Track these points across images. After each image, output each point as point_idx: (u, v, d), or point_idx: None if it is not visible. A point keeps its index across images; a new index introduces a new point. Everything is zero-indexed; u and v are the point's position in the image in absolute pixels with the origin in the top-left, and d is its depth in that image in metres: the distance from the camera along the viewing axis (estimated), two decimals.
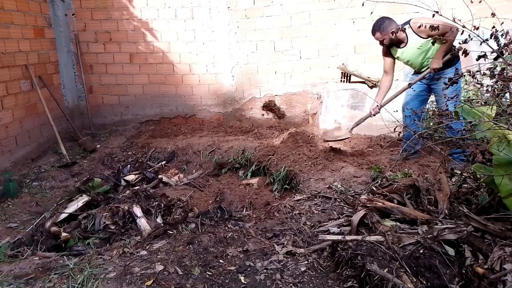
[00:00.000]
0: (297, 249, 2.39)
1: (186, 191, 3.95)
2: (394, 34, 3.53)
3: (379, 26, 3.67)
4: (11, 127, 4.49)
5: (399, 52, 3.79)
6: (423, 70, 3.79)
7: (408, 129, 3.23)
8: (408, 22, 3.63)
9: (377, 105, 3.90)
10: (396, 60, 3.90)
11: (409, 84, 3.75)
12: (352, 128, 4.24)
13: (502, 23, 2.34)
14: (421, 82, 3.80)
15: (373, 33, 3.76)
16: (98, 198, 3.53)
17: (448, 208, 2.43)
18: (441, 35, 3.33)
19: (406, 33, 3.60)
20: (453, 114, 2.50)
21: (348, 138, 4.40)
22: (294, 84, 5.76)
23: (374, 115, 3.96)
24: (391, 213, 2.53)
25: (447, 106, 2.93)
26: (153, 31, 5.63)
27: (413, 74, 4.02)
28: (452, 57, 3.59)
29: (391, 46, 3.79)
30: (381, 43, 3.78)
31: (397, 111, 3.17)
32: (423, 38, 3.57)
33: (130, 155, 5.03)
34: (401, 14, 5.28)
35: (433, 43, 3.48)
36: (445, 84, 2.46)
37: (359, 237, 2.25)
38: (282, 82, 5.77)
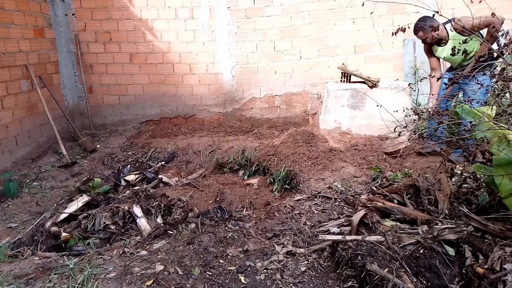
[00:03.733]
0: (297, 249, 2.39)
1: (186, 191, 3.94)
2: (435, 31, 3.46)
3: (422, 26, 3.63)
4: (11, 127, 4.49)
5: (439, 50, 3.82)
6: (462, 65, 3.77)
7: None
8: (449, 21, 3.59)
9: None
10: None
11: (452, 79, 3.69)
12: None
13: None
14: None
15: (416, 32, 3.72)
16: (98, 198, 3.53)
17: (448, 208, 2.43)
18: (486, 27, 3.41)
19: (447, 31, 3.61)
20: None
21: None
22: (294, 84, 5.76)
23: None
24: (391, 213, 2.53)
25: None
26: (153, 31, 5.63)
27: (447, 71, 4.04)
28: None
29: (432, 44, 3.81)
30: (424, 41, 3.78)
31: (397, 111, 3.16)
32: (465, 36, 3.52)
33: (130, 155, 5.03)
34: (401, 14, 5.29)
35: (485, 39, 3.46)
36: (445, 84, 2.46)
37: (359, 237, 2.25)
38: (282, 82, 5.76)
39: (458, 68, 3.83)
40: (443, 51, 3.81)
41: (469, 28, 3.34)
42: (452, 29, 3.67)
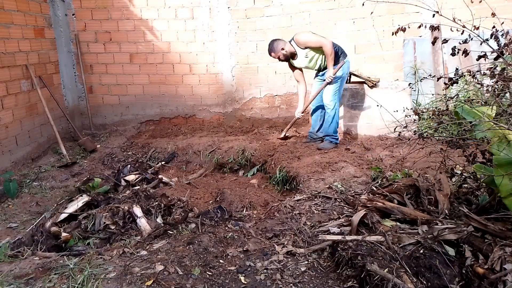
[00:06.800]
0: (297, 249, 2.39)
1: (186, 191, 3.95)
2: (284, 50, 4.25)
3: (270, 48, 4.32)
4: (11, 127, 4.49)
5: (295, 63, 4.44)
6: (317, 69, 4.49)
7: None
8: (292, 39, 4.29)
9: (300, 110, 4.65)
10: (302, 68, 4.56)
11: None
12: (285, 132, 4.88)
13: (502, 23, 2.34)
14: (321, 80, 4.51)
15: (269, 54, 4.38)
16: (98, 198, 3.53)
17: (448, 208, 2.43)
18: (318, 48, 4.19)
19: (294, 47, 4.28)
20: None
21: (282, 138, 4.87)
22: (294, 84, 5.74)
23: (299, 118, 4.75)
24: (391, 213, 2.53)
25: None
26: (153, 31, 5.63)
27: (315, 76, 4.63)
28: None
29: (288, 60, 4.40)
30: (279, 59, 4.37)
31: (397, 111, 3.16)
32: (303, 49, 4.26)
33: (130, 155, 5.03)
34: (401, 14, 5.29)
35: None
36: (445, 84, 2.46)
37: (359, 237, 2.25)
38: (282, 82, 5.76)
39: (315, 70, 4.53)
40: (297, 62, 4.42)
41: (303, 46, 4.21)
42: (296, 46, 4.27)
